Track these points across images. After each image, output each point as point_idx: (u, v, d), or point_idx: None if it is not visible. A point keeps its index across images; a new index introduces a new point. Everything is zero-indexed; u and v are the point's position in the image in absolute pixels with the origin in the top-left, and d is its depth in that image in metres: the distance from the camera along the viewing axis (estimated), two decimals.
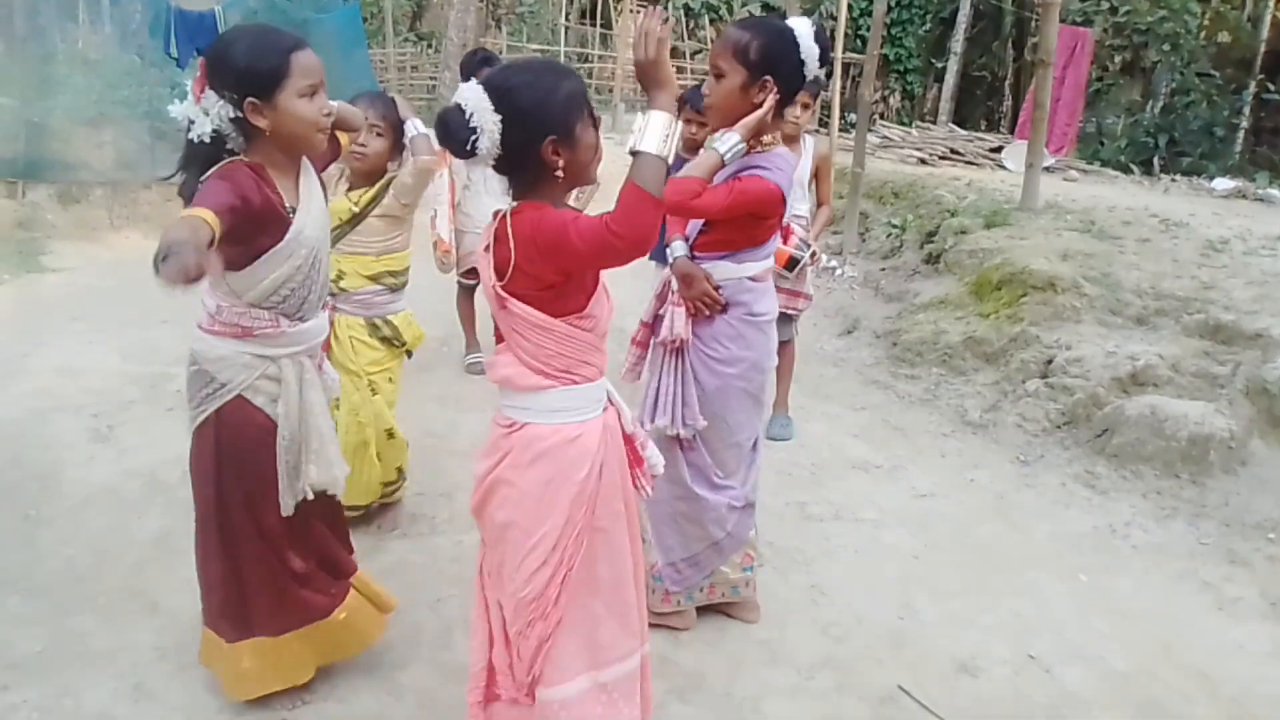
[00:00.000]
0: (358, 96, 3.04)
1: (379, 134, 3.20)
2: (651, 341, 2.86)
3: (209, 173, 2.14)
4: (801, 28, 2.53)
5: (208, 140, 2.13)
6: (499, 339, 1.99)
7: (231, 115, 2.13)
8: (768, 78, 2.52)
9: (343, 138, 2.62)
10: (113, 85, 8.75)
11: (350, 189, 3.27)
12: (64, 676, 2.63)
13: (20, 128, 7.86)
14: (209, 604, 2.47)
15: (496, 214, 1.90)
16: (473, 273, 4.91)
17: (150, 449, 4.00)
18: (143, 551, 3.27)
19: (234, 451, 2.31)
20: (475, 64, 4.87)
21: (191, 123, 2.13)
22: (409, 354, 3.45)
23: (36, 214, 7.67)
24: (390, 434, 3.37)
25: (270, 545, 2.39)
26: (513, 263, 1.82)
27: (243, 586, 2.41)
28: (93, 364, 4.89)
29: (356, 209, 3.20)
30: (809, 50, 2.54)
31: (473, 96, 1.80)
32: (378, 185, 3.25)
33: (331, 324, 2.87)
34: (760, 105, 2.52)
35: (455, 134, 1.80)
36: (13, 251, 6.95)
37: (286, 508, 2.34)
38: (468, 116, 1.79)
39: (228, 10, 8.37)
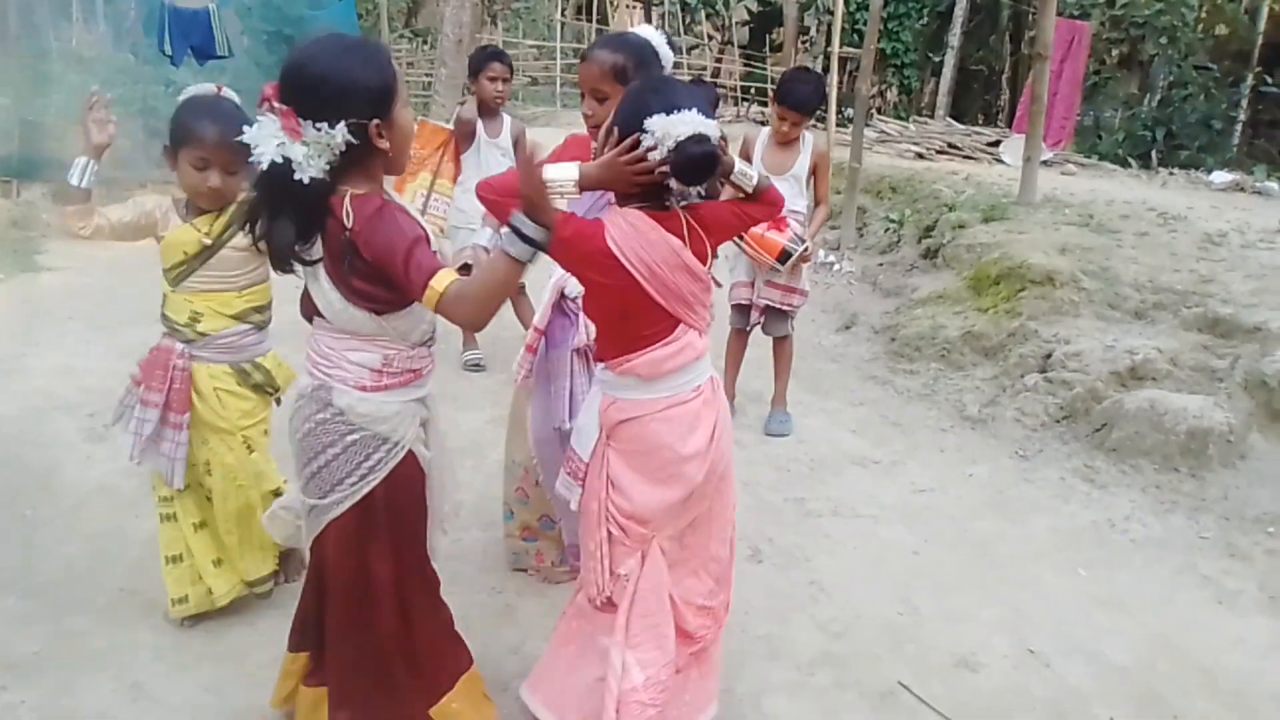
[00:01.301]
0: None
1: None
2: (543, 348, 2.87)
3: (360, 216, 1.86)
4: (654, 36, 2.61)
5: (319, 176, 1.85)
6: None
7: (350, 142, 1.84)
8: None
9: None
10: (107, 83, 8.68)
11: (192, 215, 2.66)
12: (62, 676, 2.62)
13: (14, 126, 7.84)
14: (350, 690, 2.17)
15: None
16: (467, 268, 4.87)
17: None
18: (140, 551, 3.25)
19: (404, 509, 2.12)
20: (484, 58, 4.85)
21: (278, 164, 1.81)
22: (278, 401, 2.89)
23: (31, 213, 7.65)
24: (275, 493, 2.83)
25: (436, 596, 2.29)
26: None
27: (415, 652, 2.20)
28: (89, 363, 4.87)
29: (208, 240, 2.62)
30: (666, 57, 2.62)
31: None
32: (229, 212, 2.63)
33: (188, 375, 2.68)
34: None
35: None
36: (7, 251, 6.93)
37: (436, 551, 2.27)
38: None
39: (221, 8, 8.34)
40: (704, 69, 21.98)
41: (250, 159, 1.82)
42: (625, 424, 2.15)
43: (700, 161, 1.97)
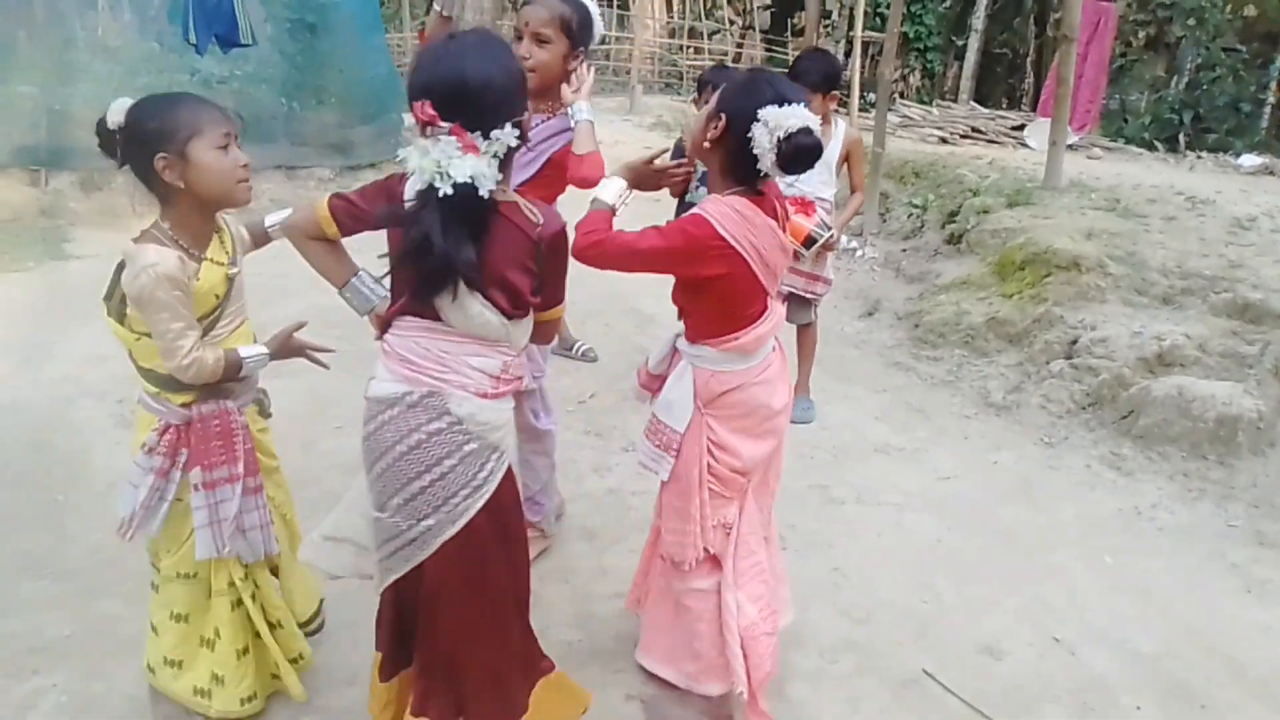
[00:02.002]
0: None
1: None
2: None
3: (555, 228, 1.91)
4: (593, 7, 2.84)
5: (493, 188, 1.79)
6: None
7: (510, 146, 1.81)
8: (581, 49, 2.80)
9: None
10: (132, 72, 8.76)
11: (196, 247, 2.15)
12: (92, 660, 2.66)
13: (41, 115, 7.89)
14: (486, 699, 2.12)
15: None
16: None
17: None
18: None
19: (511, 517, 2.08)
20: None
21: (459, 182, 1.73)
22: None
23: (59, 201, 7.72)
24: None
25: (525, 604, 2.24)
26: None
27: (528, 653, 2.23)
28: (116, 350, 4.90)
29: (234, 268, 2.21)
30: (598, 30, 2.88)
31: None
32: (226, 225, 2.26)
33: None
34: (574, 74, 2.77)
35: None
36: (36, 239, 7.00)
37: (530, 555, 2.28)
38: None
39: None
40: (725, 54, 21.86)
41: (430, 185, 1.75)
42: (728, 393, 2.31)
43: (807, 151, 2.08)
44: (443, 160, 1.72)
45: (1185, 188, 7.40)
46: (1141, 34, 15.84)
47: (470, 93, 1.75)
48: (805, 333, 4.72)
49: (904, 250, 7.34)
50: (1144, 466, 4.18)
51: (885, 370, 5.49)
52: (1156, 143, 12.60)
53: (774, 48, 22.53)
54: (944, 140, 11.32)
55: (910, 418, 4.78)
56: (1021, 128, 12.29)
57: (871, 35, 12.85)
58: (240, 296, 2.24)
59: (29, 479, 3.62)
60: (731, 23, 23.87)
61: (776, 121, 2.04)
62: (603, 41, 20.98)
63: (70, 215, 7.62)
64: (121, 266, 2.08)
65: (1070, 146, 9.24)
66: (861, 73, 10.66)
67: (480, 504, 1.94)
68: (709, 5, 22.69)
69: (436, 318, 1.89)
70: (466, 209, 1.76)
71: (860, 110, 10.63)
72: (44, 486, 3.57)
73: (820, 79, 4.15)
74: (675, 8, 23.78)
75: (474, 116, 1.75)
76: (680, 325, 2.42)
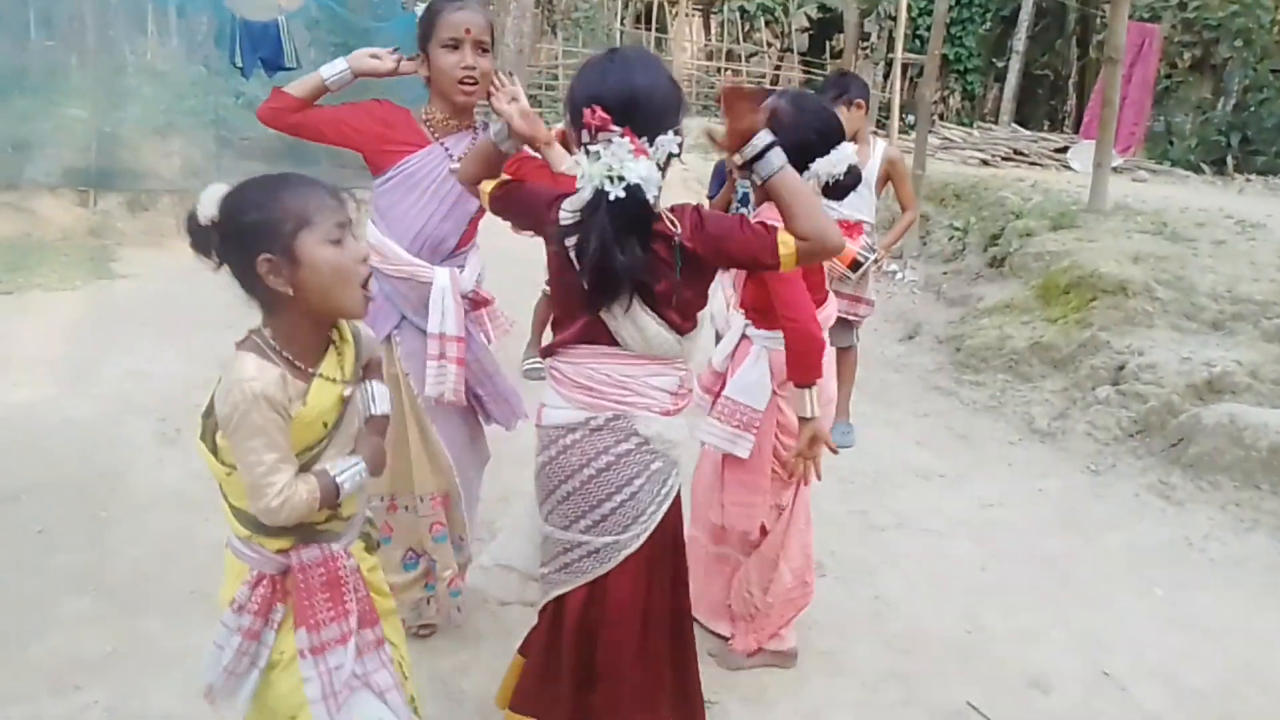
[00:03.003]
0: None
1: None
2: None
3: (680, 220, 1.84)
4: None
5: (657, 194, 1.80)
6: None
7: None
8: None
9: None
10: (180, 95, 8.95)
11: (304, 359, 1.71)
12: (132, 677, 2.67)
13: (92, 138, 8.07)
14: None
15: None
16: None
17: None
18: (207, 554, 3.30)
19: (676, 532, 2.09)
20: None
21: (631, 184, 1.72)
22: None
23: (107, 222, 7.87)
24: None
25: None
26: None
27: (686, 679, 2.21)
28: (161, 368, 4.99)
29: (349, 386, 1.78)
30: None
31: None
32: (351, 347, 1.81)
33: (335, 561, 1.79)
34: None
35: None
36: (85, 258, 7.14)
37: None
38: None
39: (290, 21, 8.50)
40: (763, 76, 21.89)
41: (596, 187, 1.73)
42: None
43: (851, 186, 2.54)
44: (614, 163, 1.71)
45: (1234, 211, 7.26)
46: (1187, 55, 15.64)
47: (639, 100, 1.77)
48: (845, 356, 4.67)
49: (945, 273, 7.27)
50: (1194, 496, 4.08)
51: (926, 394, 5.42)
52: (1203, 165, 12.41)
53: (812, 70, 22.53)
54: (985, 162, 11.23)
55: (952, 443, 4.70)
56: (1064, 150, 12.17)
57: (911, 57, 12.81)
58: (353, 423, 1.80)
59: (73, 495, 3.66)
60: (769, 45, 23.90)
61: (828, 170, 2.43)
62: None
63: (117, 235, 7.77)
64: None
65: (1115, 169, 9.12)
66: (901, 95, 10.62)
67: (660, 517, 1.98)
68: (747, 28, 22.74)
69: (612, 342, 1.89)
70: (634, 214, 1.75)
71: (900, 132, 10.58)
72: (87, 502, 3.61)
73: (840, 92, 4.15)
74: (713, 30, 23.88)
75: (641, 123, 1.75)
76: (738, 321, 2.71)
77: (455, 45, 2.38)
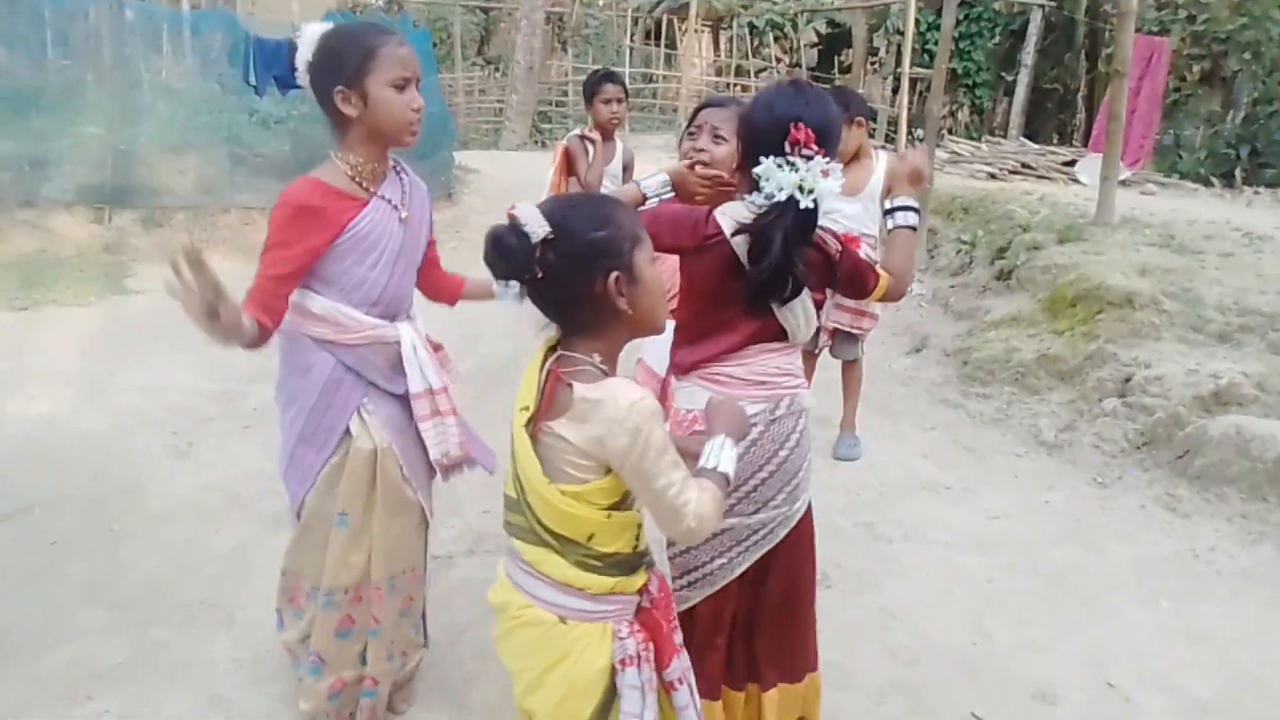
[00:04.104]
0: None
1: None
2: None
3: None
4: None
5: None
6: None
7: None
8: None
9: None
10: (194, 113, 9.07)
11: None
12: (145, 686, 2.70)
13: (107, 155, 8.19)
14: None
15: None
16: None
17: (228, 464, 4.11)
18: (220, 565, 3.35)
19: None
20: (597, 80, 4.87)
21: (817, 199, 1.97)
22: None
23: (122, 238, 7.97)
24: None
25: None
26: None
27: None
28: (174, 382, 5.05)
29: None
30: None
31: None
32: None
33: None
34: None
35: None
36: (100, 274, 7.23)
37: None
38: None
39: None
40: None
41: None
42: None
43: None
44: (808, 178, 1.95)
45: (1242, 223, 7.26)
46: (1196, 68, 15.62)
47: (830, 128, 2.04)
48: (851, 369, 4.70)
49: (952, 286, 7.28)
50: (1201, 508, 4.07)
51: (933, 407, 5.43)
52: (1212, 178, 12.38)
53: (821, 85, 22.59)
54: (993, 176, 11.24)
55: (959, 456, 4.71)
56: (1072, 163, 12.17)
57: (919, 71, 12.83)
58: None
59: (87, 507, 3.71)
60: (778, 60, 24.00)
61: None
62: (650, 80, 21.26)
63: (132, 251, 7.87)
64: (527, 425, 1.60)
65: (1123, 182, 9.12)
66: (909, 109, 10.64)
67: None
68: (756, 43, 22.84)
69: (775, 338, 2.14)
70: (812, 223, 2.02)
71: (909, 146, 10.60)
72: (101, 515, 3.66)
73: (840, 109, 4.19)
74: (722, 46, 23.99)
75: (828, 148, 2.01)
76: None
77: (403, 85, 2.14)
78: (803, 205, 1.95)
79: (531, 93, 17.12)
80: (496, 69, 21.22)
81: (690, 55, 19.18)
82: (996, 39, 18.55)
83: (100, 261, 7.58)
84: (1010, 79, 18.31)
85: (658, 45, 22.63)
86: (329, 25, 2.15)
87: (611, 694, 1.61)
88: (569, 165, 4.97)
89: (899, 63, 12.79)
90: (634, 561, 1.66)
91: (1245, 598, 3.47)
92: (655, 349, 2.80)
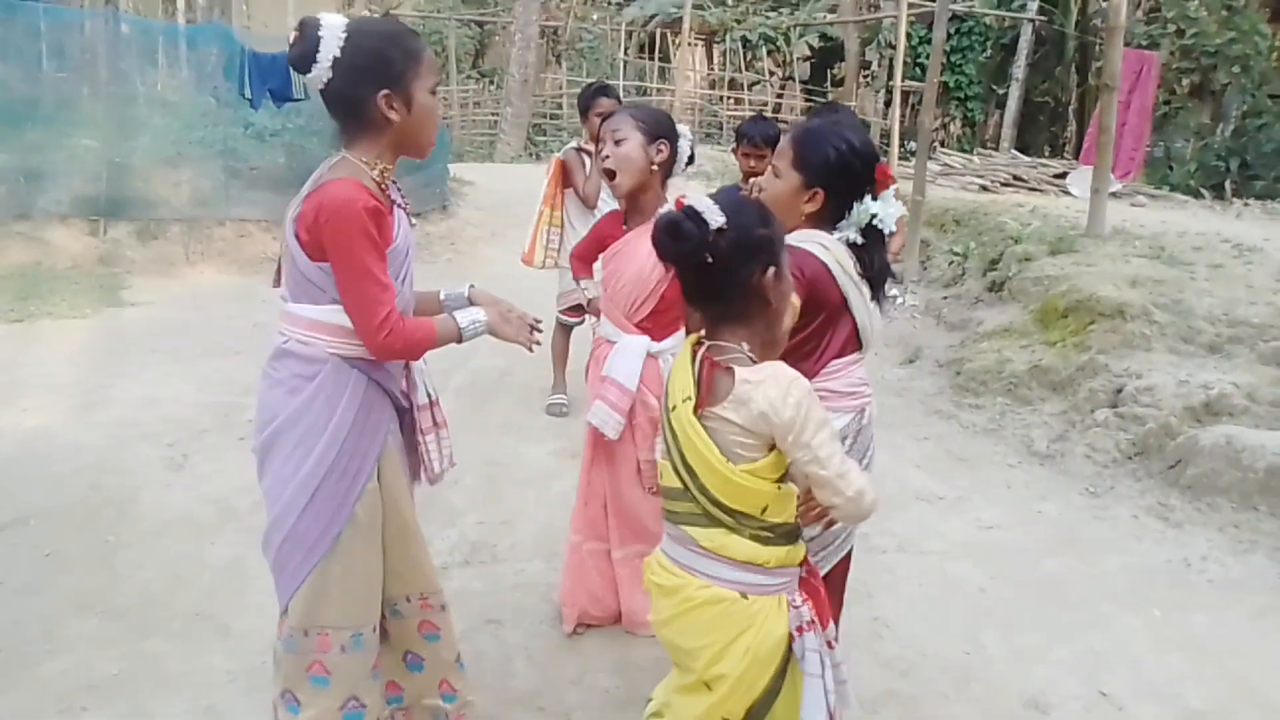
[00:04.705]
0: None
1: None
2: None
3: None
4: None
5: None
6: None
7: None
8: None
9: None
10: (189, 126, 9.09)
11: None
12: (139, 698, 2.70)
13: (102, 167, 8.19)
14: None
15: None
16: (576, 309, 4.81)
17: (223, 477, 4.11)
18: (215, 577, 3.35)
19: None
20: (591, 94, 4.91)
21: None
22: None
23: (117, 250, 7.97)
24: None
25: None
26: None
27: None
28: (169, 394, 5.05)
29: None
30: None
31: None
32: None
33: None
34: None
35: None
36: (95, 286, 7.23)
37: None
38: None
39: None
40: (765, 104, 22.07)
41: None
42: None
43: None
44: (896, 210, 2.27)
45: (1232, 235, 7.31)
46: (1185, 81, 15.73)
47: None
48: None
49: (945, 298, 7.31)
50: (1192, 518, 4.10)
51: (926, 418, 5.45)
52: (1202, 190, 12.46)
53: (813, 98, 22.72)
54: (985, 188, 11.29)
55: (952, 466, 4.73)
56: (1064, 175, 12.23)
57: (911, 85, 12.94)
58: None
59: (81, 519, 3.71)
60: (771, 74, 24.12)
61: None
62: (644, 93, 21.33)
63: (127, 264, 7.87)
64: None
65: (1114, 194, 9.18)
66: (902, 122, 10.72)
67: None
68: (749, 57, 22.96)
69: (855, 349, 2.39)
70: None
71: (900, 159, 10.67)
72: (96, 526, 3.66)
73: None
74: (715, 60, 24.10)
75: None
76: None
77: (436, 91, 2.07)
78: (886, 231, 2.27)
79: (526, 106, 17.18)
80: (491, 82, 21.31)
81: (684, 69, 19.26)
82: (988, 53, 18.68)
83: (95, 274, 7.58)
84: (1001, 92, 18.43)
85: (651, 59, 22.75)
86: (348, 19, 1.94)
87: (787, 659, 1.74)
88: (564, 177, 5.01)
89: (891, 76, 12.88)
90: (795, 531, 1.81)
91: (1237, 607, 3.49)
92: (623, 363, 2.82)
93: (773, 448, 1.69)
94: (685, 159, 2.96)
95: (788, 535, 1.78)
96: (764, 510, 1.71)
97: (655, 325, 2.88)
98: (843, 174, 2.26)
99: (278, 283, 2.11)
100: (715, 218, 1.68)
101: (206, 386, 5.18)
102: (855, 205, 2.27)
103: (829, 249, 2.26)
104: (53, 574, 3.32)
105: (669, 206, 1.78)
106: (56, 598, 3.18)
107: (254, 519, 3.76)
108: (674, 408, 1.75)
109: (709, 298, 1.78)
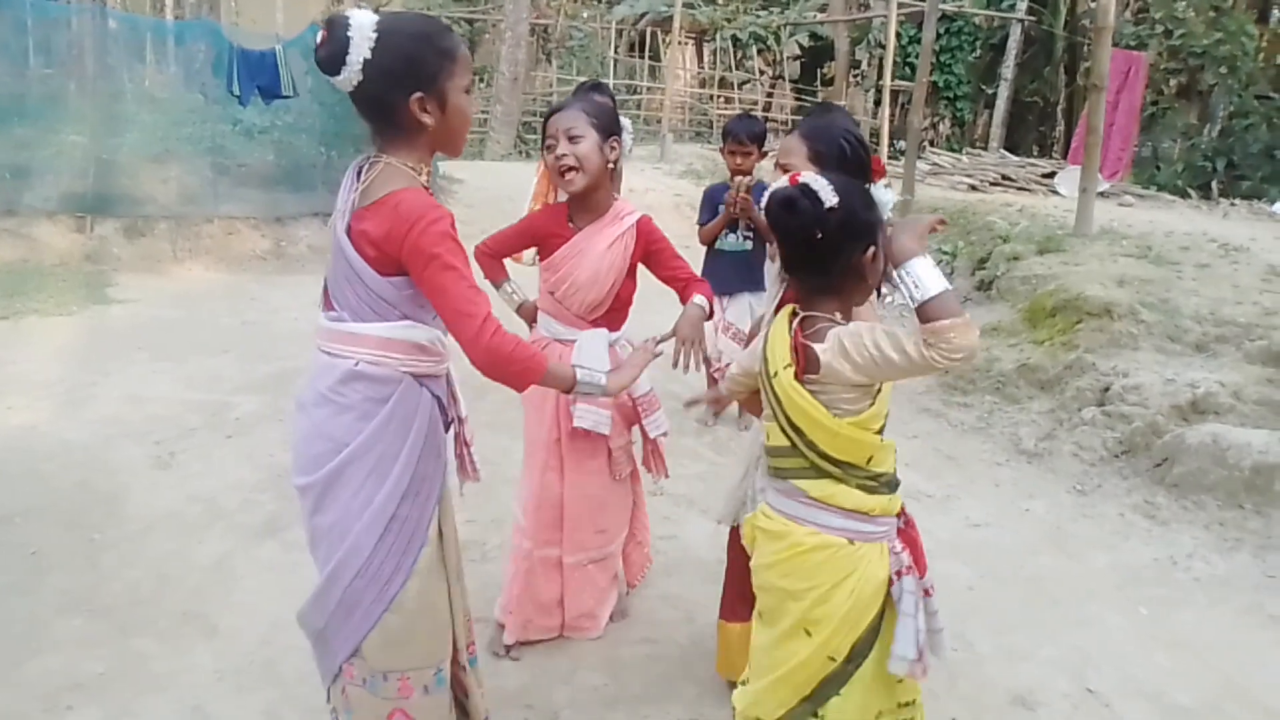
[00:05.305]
0: None
1: None
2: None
3: None
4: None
5: None
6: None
7: None
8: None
9: None
10: (177, 123, 9.05)
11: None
12: (125, 697, 2.68)
13: (90, 164, 8.15)
14: None
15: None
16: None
17: (210, 475, 4.09)
18: (202, 576, 3.34)
19: None
20: (585, 92, 4.91)
21: None
22: None
23: (104, 247, 7.93)
24: None
25: None
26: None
27: None
28: (156, 392, 5.02)
29: None
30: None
31: None
32: None
33: None
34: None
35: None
36: (81, 283, 7.19)
37: None
38: None
39: (288, 50, 8.62)
40: (755, 103, 22.10)
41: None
42: None
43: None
44: (891, 198, 2.15)
45: (1218, 235, 7.36)
46: (1173, 82, 15.83)
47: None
48: None
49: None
50: (1179, 516, 4.12)
51: (915, 416, 5.46)
52: (1189, 190, 12.55)
53: (803, 97, 22.76)
54: (973, 188, 11.34)
55: (941, 464, 4.75)
56: (1052, 175, 12.29)
57: (901, 84, 12.95)
58: None
59: (67, 517, 3.69)
60: (761, 73, 24.15)
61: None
62: (634, 91, 21.34)
63: (113, 261, 7.83)
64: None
65: (1102, 194, 9.23)
66: (891, 121, 10.74)
67: None
68: (739, 56, 22.98)
69: None
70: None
71: (890, 158, 10.69)
72: (81, 525, 3.64)
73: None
74: (706, 58, 24.11)
75: None
76: None
77: (470, 89, 1.97)
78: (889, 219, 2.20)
79: (516, 104, 17.14)
80: (481, 80, 21.24)
81: (674, 67, 19.27)
82: (977, 53, 18.74)
83: (82, 271, 7.54)
84: (990, 92, 18.50)
85: (642, 57, 22.72)
86: (379, 17, 1.83)
87: (885, 602, 1.89)
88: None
89: (881, 76, 12.92)
90: (895, 481, 1.94)
91: (1222, 604, 3.51)
92: (591, 359, 2.71)
93: (879, 392, 1.87)
94: (627, 150, 2.89)
95: (889, 485, 1.92)
96: (869, 460, 1.87)
97: (608, 320, 2.82)
98: (855, 165, 2.31)
99: (329, 305, 1.97)
100: (830, 197, 1.80)
101: (194, 384, 5.16)
102: None
103: None
104: (38, 572, 3.30)
105: (782, 182, 1.89)
106: (42, 596, 3.16)
107: (241, 517, 3.75)
108: (774, 374, 1.88)
109: (811, 270, 1.91)
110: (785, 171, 2.40)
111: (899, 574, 1.88)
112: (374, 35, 1.78)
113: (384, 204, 1.84)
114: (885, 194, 2.18)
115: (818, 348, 1.83)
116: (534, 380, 1.96)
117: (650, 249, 2.79)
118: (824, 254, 1.86)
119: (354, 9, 1.84)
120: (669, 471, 3.11)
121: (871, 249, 1.86)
